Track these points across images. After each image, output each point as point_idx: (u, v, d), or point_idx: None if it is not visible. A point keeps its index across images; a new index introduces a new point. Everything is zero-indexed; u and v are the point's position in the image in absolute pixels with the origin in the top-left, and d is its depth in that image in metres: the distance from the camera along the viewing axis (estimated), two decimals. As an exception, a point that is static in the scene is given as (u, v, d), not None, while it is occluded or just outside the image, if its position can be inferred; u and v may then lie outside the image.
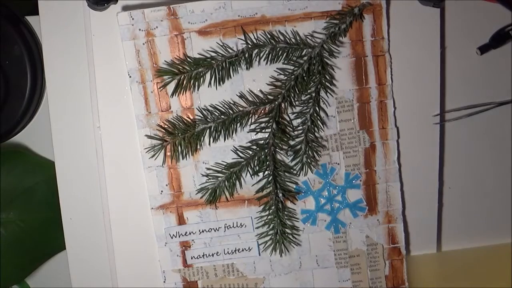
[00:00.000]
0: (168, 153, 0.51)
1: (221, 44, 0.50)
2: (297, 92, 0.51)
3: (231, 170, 0.51)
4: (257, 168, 0.51)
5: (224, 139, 0.51)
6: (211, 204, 0.52)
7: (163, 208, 0.52)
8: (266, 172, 0.51)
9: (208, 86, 0.51)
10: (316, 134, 0.51)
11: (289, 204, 0.52)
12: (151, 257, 0.53)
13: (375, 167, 0.52)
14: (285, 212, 0.52)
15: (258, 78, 0.51)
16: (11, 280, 0.59)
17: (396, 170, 0.52)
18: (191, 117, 0.51)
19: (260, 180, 0.51)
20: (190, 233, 0.52)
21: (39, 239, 0.59)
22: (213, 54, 0.50)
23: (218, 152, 0.51)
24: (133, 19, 0.50)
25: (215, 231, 0.52)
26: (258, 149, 0.51)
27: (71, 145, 0.53)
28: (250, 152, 0.51)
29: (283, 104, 0.51)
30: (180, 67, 0.50)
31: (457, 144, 0.54)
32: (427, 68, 0.51)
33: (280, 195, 0.51)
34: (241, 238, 0.52)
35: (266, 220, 0.52)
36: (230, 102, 0.51)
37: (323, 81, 0.51)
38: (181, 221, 0.52)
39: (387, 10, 0.50)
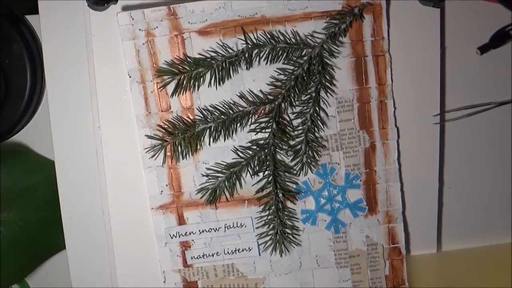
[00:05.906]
0: (168, 153, 0.51)
1: (221, 44, 0.50)
2: (297, 92, 0.51)
3: (231, 170, 0.51)
4: (257, 168, 0.51)
5: (224, 139, 0.51)
6: (211, 204, 0.52)
7: (163, 208, 0.52)
8: (266, 172, 0.51)
9: (208, 86, 0.51)
10: (316, 134, 0.51)
11: (289, 204, 0.52)
12: (151, 257, 0.53)
13: (375, 167, 0.52)
14: (285, 212, 0.52)
15: (258, 78, 0.51)
16: (11, 279, 0.59)
17: (396, 170, 0.52)
18: (191, 117, 0.51)
19: (260, 180, 0.51)
20: (190, 233, 0.52)
21: (39, 238, 0.59)
22: (213, 54, 0.50)
23: (218, 152, 0.51)
24: (133, 19, 0.50)
25: (215, 231, 0.52)
26: (258, 149, 0.51)
27: (71, 145, 0.53)
28: (250, 152, 0.51)
29: (283, 104, 0.51)
30: (180, 67, 0.50)
31: (457, 144, 0.54)
32: (427, 68, 0.51)
33: (280, 195, 0.51)
34: (241, 238, 0.52)
35: (266, 220, 0.52)
36: (230, 102, 0.51)
37: (323, 81, 0.51)
38: (181, 221, 0.52)
39: (387, 10, 0.50)
